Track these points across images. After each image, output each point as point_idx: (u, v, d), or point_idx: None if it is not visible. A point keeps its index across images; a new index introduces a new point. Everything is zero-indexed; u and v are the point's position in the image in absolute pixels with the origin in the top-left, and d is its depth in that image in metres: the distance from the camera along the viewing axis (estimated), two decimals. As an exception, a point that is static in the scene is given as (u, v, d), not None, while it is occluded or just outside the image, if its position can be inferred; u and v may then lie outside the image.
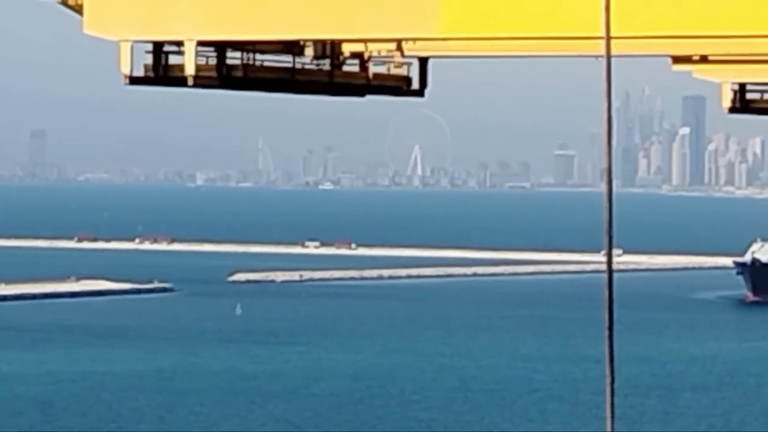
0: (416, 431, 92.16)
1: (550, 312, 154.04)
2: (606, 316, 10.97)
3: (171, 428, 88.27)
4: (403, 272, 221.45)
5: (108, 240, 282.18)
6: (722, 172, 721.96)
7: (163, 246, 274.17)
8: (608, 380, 10.67)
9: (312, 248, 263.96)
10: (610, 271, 11.33)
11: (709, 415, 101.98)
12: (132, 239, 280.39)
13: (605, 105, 10.55)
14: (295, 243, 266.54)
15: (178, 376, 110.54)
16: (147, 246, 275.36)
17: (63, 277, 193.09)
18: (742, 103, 20.05)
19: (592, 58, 14.71)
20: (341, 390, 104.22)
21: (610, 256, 11.29)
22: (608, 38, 10.62)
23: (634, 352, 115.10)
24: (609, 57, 10.72)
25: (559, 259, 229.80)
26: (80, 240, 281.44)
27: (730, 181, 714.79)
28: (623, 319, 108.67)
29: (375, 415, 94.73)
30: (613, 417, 10.59)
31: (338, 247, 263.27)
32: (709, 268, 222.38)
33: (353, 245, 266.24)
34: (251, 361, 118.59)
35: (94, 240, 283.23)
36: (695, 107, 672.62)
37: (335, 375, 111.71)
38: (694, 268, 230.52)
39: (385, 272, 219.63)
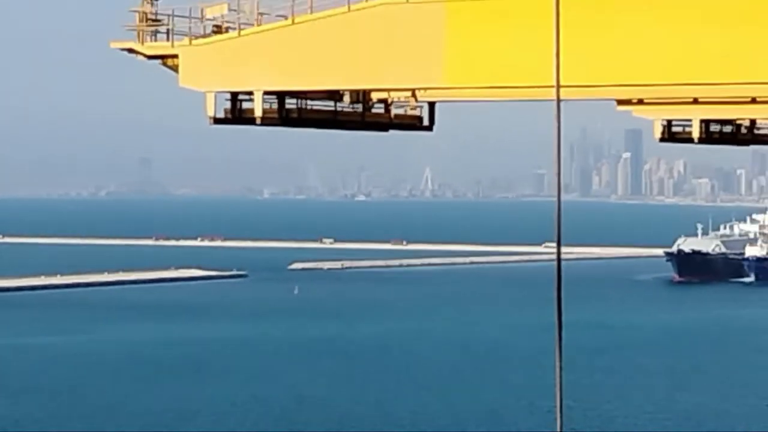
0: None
1: (532, 291, 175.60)
2: (555, 295, 15.28)
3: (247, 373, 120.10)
4: (418, 261, 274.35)
5: (177, 239, 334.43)
6: (655, 186, 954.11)
7: (217, 243, 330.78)
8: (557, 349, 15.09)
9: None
10: (559, 261, 15.87)
11: (646, 366, 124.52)
12: (195, 238, 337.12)
13: (555, 142, 15.08)
14: (330, 239, 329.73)
15: (252, 339, 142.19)
16: (206, 243, 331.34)
17: (164, 266, 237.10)
18: (669, 135, 26.03)
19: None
20: (371, 348, 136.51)
21: (558, 250, 15.93)
22: (558, 87, 14.93)
23: (588, 318, 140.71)
24: (559, 101, 15.24)
25: (535, 251, 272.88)
26: (156, 239, 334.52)
27: (660, 193, 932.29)
28: (580, 294, 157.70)
29: (396, 366, 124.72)
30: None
31: (394, 244, 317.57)
32: (646, 257, 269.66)
33: (404, 242, 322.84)
34: (304, 329, 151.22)
35: (167, 239, 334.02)
36: (634, 137, 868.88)
37: (367, 337, 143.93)
38: (634, 257, 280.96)
39: (405, 261, 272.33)
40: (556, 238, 14.95)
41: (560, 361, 14.87)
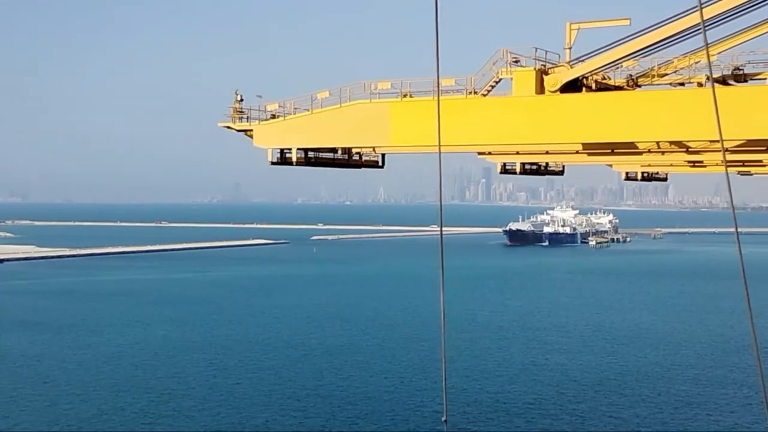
0: None
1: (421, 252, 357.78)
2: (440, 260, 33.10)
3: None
4: (374, 235, 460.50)
5: (251, 223, 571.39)
6: (498, 196, 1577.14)
7: (269, 225, 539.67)
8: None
9: (328, 226, 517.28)
10: (441, 236, 32.90)
11: (493, 285, 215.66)
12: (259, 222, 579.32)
13: (438, 173, 33.12)
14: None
15: (294, 275, 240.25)
16: (264, 225, 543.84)
17: (247, 237, 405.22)
18: (505, 170, 43.99)
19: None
20: (357, 277, 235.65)
21: (441, 232, 33.34)
22: (439, 146, 32.77)
23: (461, 264, 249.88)
24: (440, 153, 33.11)
25: (426, 230, 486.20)
26: (235, 224, 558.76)
27: (501, 200, 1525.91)
28: (457, 252, 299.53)
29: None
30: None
31: (366, 226, 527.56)
32: (493, 233, 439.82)
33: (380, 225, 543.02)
34: (319, 269, 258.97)
35: (243, 224, 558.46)
36: (486, 171, 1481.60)
37: (353, 273, 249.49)
38: (486, 234, 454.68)
39: (369, 235, 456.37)
40: (440, 223, 31.90)
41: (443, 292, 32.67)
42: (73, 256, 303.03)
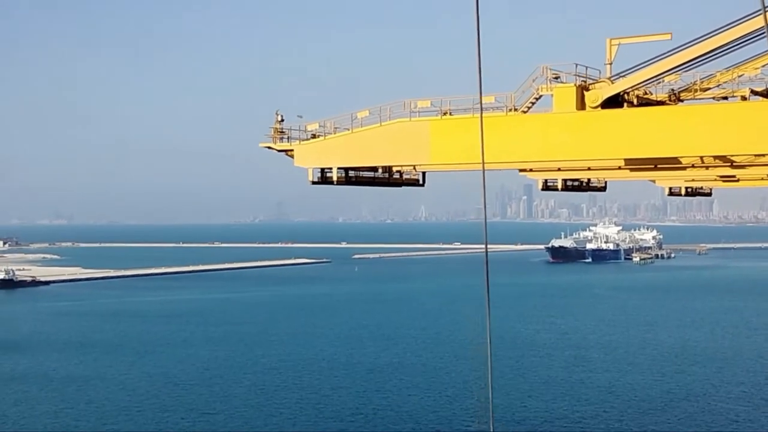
0: None
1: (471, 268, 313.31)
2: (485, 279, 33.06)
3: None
4: (416, 253, 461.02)
5: (294, 242, 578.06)
6: (539, 213, 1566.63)
7: (294, 245, 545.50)
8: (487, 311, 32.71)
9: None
10: (486, 253, 32.59)
11: (542, 302, 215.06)
12: (300, 242, 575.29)
13: (482, 191, 32.89)
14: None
15: (337, 293, 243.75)
16: (288, 245, 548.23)
17: (289, 257, 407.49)
18: (546, 187, 43.69)
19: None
20: (395, 296, 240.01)
21: (486, 249, 33.14)
22: (483, 164, 32.63)
23: (506, 281, 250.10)
24: (484, 170, 32.88)
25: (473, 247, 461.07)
26: (285, 243, 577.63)
27: (542, 217, 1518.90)
28: (502, 268, 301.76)
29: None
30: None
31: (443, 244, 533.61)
32: (536, 250, 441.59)
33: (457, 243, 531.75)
34: (361, 288, 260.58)
35: (288, 242, 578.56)
36: (528, 188, 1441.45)
37: (393, 291, 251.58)
38: (528, 250, 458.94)
39: (410, 252, 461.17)
40: (484, 240, 31.32)
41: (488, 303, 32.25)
42: (118, 277, 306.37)
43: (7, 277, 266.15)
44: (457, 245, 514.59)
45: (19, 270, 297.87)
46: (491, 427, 25.93)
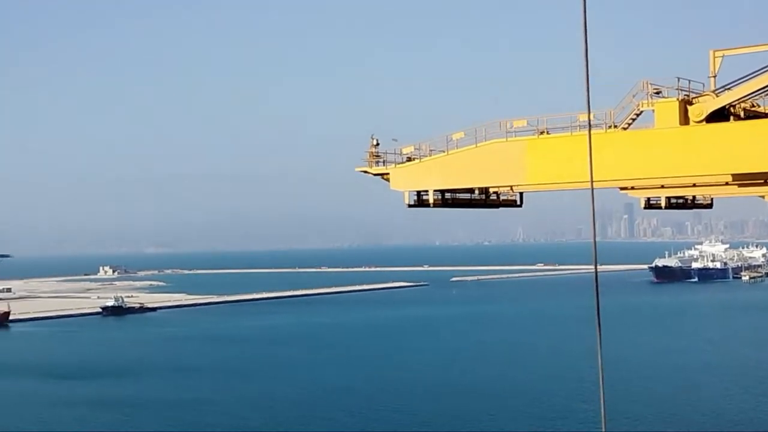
0: None
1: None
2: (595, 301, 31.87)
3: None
4: (510, 275, 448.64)
5: (384, 266, 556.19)
6: (641, 232, 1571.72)
7: (373, 269, 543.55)
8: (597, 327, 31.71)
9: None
10: (596, 273, 31.62)
11: (649, 333, 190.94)
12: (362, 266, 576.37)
13: (591, 209, 31.99)
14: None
15: (438, 314, 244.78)
16: (372, 269, 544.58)
17: (384, 281, 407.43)
18: (648, 205, 42.31)
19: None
20: (490, 317, 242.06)
21: (596, 269, 32.21)
22: (592, 183, 31.64)
23: (611, 302, 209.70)
24: (592, 188, 31.75)
25: (579, 268, 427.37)
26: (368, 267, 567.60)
27: (644, 236, 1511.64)
28: (605, 289, 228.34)
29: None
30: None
31: (545, 265, 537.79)
32: (637, 270, 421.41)
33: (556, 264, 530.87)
34: (460, 309, 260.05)
35: (376, 266, 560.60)
36: (628, 207, 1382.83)
37: (490, 312, 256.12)
38: (631, 270, 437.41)
39: (507, 275, 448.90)
40: (593, 261, 30.02)
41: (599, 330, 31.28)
42: (221, 302, 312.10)
43: (116, 304, 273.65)
44: (557, 266, 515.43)
45: (128, 297, 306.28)
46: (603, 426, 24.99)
